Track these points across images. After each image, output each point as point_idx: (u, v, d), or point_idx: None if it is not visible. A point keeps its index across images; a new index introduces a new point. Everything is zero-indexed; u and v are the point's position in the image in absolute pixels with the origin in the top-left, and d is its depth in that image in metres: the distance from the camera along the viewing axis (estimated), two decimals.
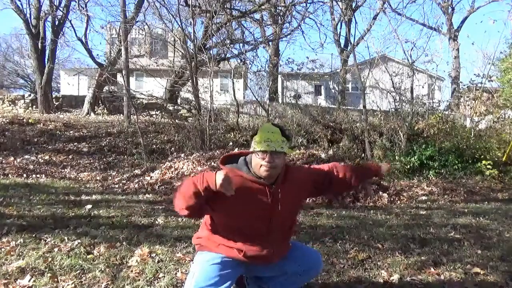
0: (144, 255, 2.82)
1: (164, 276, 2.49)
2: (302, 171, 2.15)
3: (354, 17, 14.92)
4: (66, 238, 3.18)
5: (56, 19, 14.54)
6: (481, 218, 4.61)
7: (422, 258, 2.99)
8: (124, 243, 3.11)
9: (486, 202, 5.99)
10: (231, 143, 8.67)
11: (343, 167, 2.15)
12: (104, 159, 8.35)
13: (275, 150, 1.77)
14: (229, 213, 1.82)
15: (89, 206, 4.46)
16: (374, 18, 15.43)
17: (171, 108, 14.17)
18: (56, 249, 2.91)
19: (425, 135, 8.44)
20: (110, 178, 7.01)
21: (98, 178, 6.95)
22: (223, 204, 1.76)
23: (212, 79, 8.87)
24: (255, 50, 13.07)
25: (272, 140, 1.78)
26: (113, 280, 2.43)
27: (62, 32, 15.07)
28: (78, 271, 2.53)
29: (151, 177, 6.72)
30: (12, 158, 7.77)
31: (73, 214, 4.13)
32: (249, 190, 1.80)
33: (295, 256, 2.03)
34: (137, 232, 3.43)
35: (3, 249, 2.87)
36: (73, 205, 4.54)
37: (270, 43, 15.67)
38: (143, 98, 14.49)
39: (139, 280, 2.44)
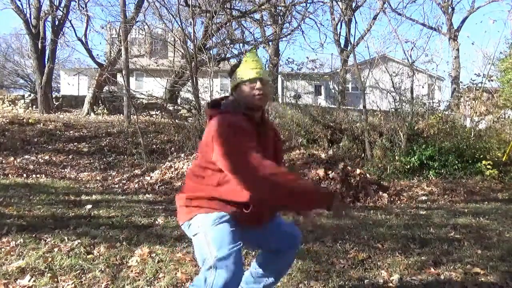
0: (144, 255, 2.81)
1: (164, 276, 2.49)
2: (272, 125, 2.02)
3: (354, 17, 14.94)
4: (66, 238, 3.17)
5: (56, 19, 14.54)
6: (481, 218, 4.61)
7: (422, 258, 2.99)
8: (124, 243, 3.11)
9: (486, 202, 5.99)
10: None
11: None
12: (104, 159, 8.36)
13: (264, 77, 1.73)
14: None
15: (89, 206, 4.46)
16: (374, 18, 15.47)
17: (171, 108, 14.17)
18: (56, 249, 2.91)
19: (425, 135, 8.45)
20: (110, 178, 7.01)
21: (98, 178, 6.95)
22: None
23: (212, 79, 8.86)
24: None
25: (258, 68, 1.74)
26: (113, 280, 2.42)
27: (62, 32, 15.06)
28: (78, 271, 2.53)
29: (151, 177, 6.72)
30: (12, 158, 7.77)
31: (73, 214, 4.13)
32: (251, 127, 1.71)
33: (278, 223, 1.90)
34: (137, 232, 3.43)
35: (3, 249, 2.87)
36: (73, 205, 4.54)
37: (270, 43, 15.67)
38: (143, 98, 14.48)
39: (139, 280, 2.44)
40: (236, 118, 1.65)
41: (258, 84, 1.70)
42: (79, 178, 6.91)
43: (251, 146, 1.56)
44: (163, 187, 6.21)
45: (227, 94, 1.83)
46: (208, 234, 1.59)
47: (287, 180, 1.53)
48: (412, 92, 9.49)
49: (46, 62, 14.84)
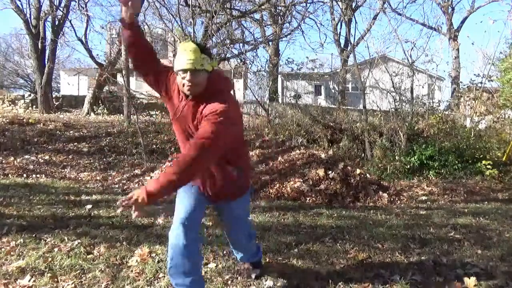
0: (144, 255, 2.82)
1: (164, 276, 2.49)
2: (211, 107, 1.84)
3: (354, 17, 14.92)
4: (66, 238, 3.18)
5: (56, 19, 14.53)
6: (481, 218, 4.61)
7: (422, 258, 2.99)
8: (124, 243, 3.11)
9: (486, 202, 5.99)
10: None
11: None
12: (104, 159, 8.35)
13: (195, 68, 1.79)
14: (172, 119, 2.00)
15: (89, 206, 4.46)
16: (374, 18, 15.48)
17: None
18: (56, 249, 2.92)
19: (425, 135, 8.46)
20: (110, 178, 7.01)
21: (98, 178, 6.95)
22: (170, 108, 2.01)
23: None
24: (255, 50, 13.05)
25: (191, 58, 1.79)
26: (113, 280, 2.43)
27: (62, 32, 15.05)
28: (78, 271, 2.53)
29: (151, 177, 6.72)
30: (12, 158, 7.76)
31: (73, 214, 4.13)
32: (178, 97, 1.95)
33: (236, 216, 2.21)
34: (137, 232, 3.44)
35: (3, 249, 2.87)
36: (73, 205, 4.54)
37: (270, 43, 15.66)
38: (143, 98, 14.49)
39: (139, 280, 2.45)
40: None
41: (187, 76, 1.80)
42: (79, 178, 6.91)
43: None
44: None
45: None
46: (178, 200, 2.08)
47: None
48: (412, 92, 9.49)
49: (46, 62, 14.83)
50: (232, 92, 2.11)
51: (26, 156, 8.02)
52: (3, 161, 7.56)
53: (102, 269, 2.57)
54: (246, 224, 2.34)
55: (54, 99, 15.81)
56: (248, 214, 2.39)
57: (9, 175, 6.66)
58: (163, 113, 14.25)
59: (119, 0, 1.91)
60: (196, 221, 2.00)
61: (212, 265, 2.70)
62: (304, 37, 31.84)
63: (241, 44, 12.48)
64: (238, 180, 2.04)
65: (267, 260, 2.81)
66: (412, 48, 9.47)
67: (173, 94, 1.98)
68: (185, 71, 1.80)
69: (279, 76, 18.90)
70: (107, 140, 9.58)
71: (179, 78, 1.84)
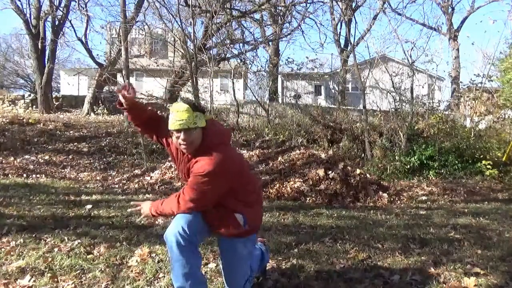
0: (144, 255, 2.82)
1: (164, 276, 2.49)
2: (199, 165, 1.92)
3: (354, 17, 14.92)
4: (66, 238, 3.18)
5: (56, 19, 14.54)
6: (481, 218, 4.61)
7: (422, 258, 2.99)
8: (124, 243, 3.11)
9: (486, 202, 5.99)
10: (231, 143, 8.66)
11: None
12: (104, 159, 8.35)
13: (188, 127, 1.85)
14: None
15: (89, 206, 4.46)
16: (374, 18, 15.45)
17: (171, 108, 14.14)
18: (56, 249, 2.92)
19: (425, 135, 8.47)
20: (110, 178, 7.01)
21: (98, 178, 6.95)
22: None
23: (212, 79, 8.87)
24: (255, 50, 13.06)
25: (183, 118, 1.85)
26: (113, 280, 2.43)
27: (62, 32, 15.06)
28: (78, 271, 2.53)
29: (151, 177, 6.72)
30: (12, 158, 7.77)
31: (73, 214, 4.13)
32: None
33: (229, 255, 2.08)
34: (137, 232, 3.44)
35: (3, 249, 2.87)
36: (73, 205, 4.54)
37: (270, 43, 15.66)
38: (143, 98, 14.48)
39: (139, 280, 2.45)
40: None
41: (181, 135, 1.87)
42: (79, 178, 6.91)
43: None
44: (163, 187, 6.20)
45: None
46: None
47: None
48: (412, 92, 9.48)
49: (46, 62, 14.84)
50: (230, 143, 2.10)
51: (26, 156, 8.02)
52: (3, 161, 7.56)
53: (102, 269, 2.57)
54: (246, 267, 2.11)
55: (54, 99, 15.81)
56: (249, 257, 2.14)
57: (9, 175, 6.66)
58: (164, 112, 14.25)
59: (116, 91, 2.01)
60: (193, 227, 1.97)
61: (212, 265, 2.71)
62: (304, 37, 31.93)
63: (241, 44, 12.48)
64: (235, 224, 2.00)
65: None
66: (412, 48, 9.47)
67: (172, 146, 2.09)
68: (178, 131, 1.88)
69: (279, 76, 18.88)
70: (107, 140, 9.59)
71: (174, 138, 1.92)
